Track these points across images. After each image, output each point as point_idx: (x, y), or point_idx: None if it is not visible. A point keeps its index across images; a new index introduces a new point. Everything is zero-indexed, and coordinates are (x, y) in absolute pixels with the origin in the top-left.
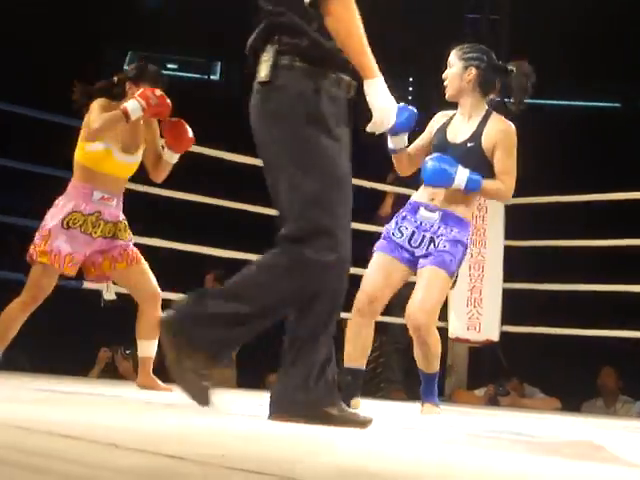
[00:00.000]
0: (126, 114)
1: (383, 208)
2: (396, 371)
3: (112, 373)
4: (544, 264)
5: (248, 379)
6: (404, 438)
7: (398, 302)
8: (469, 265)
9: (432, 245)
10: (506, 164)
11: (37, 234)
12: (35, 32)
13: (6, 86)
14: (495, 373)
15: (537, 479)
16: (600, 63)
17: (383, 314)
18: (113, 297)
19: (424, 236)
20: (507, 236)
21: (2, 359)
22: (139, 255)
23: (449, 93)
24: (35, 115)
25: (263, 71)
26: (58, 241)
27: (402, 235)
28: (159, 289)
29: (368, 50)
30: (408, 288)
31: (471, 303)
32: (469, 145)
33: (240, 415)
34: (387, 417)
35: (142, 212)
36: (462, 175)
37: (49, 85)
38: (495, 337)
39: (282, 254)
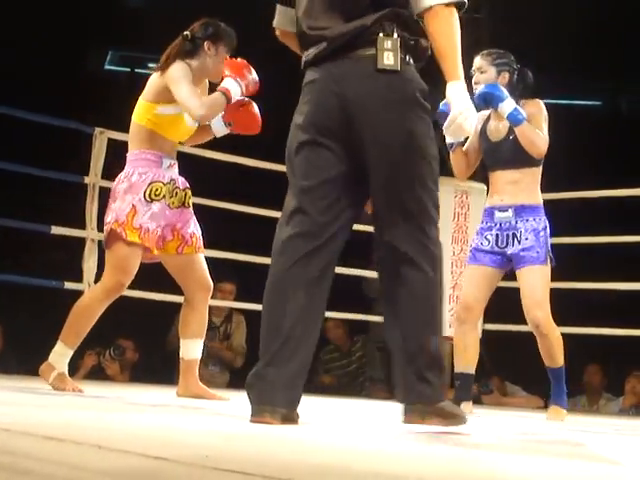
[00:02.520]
0: (229, 97)
1: (369, 206)
2: (379, 370)
3: (98, 375)
4: None
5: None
6: (387, 437)
7: (378, 298)
8: (451, 262)
9: (516, 240)
10: (539, 125)
11: (112, 213)
12: (14, 30)
13: None
14: (478, 371)
15: (519, 478)
16: (581, 61)
17: (365, 312)
18: None
19: (507, 235)
20: None
21: None
22: (201, 242)
23: None
24: (8, 112)
25: (389, 59)
26: (144, 217)
27: (489, 242)
28: (212, 283)
29: (459, 55)
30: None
31: (453, 300)
32: (511, 137)
33: (226, 415)
34: (371, 416)
35: None
36: (509, 103)
37: (26, 83)
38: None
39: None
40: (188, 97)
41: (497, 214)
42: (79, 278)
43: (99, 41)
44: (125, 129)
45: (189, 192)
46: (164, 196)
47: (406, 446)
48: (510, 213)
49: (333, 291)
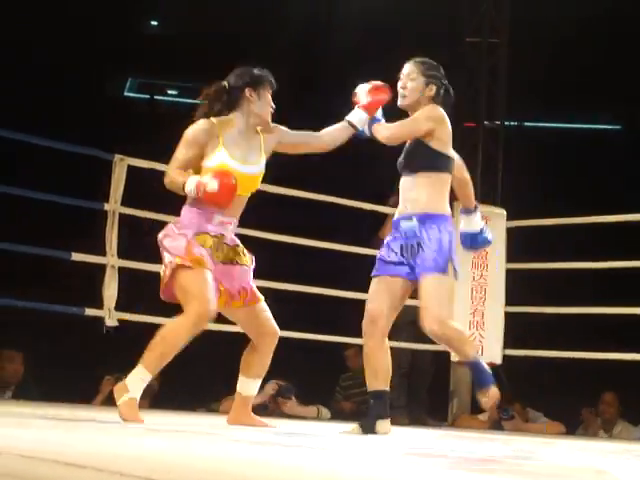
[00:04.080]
0: (188, 189)
1: (383, 230)
2: (400, 396)
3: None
4: (546, 287)
5: None
6: (407, 463)
7: (403, 326)
8: (471, 288)
9: (421, 249)
10: (407, 120)
11: (168, 254)
12: (34, 58)
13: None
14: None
15: None
16: (600, 86)
17: (387, 338)
18: (115, 323)
19: (412, 245)
20: (509, 259)
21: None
22: (257, 294)
23: (405, 102)
24: (28, 140)
25: None
26: (199, 249)
27: (395, 253)
28: (278, 328)
29: None
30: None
31: (473, 326)
32: (408, 142)
33: (247, 442)
34: (392, 441)
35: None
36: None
37: (47, 111)
38: (497, 360)
39: None
40: (171, 161)
41: (402, 223)
42: (99, 305)
43: (118, 68)
44: (145, 156)
45: (239, 249)
46: (210, 246)
47: (423, 473)
48: (414, 222)
49: (353, 318)
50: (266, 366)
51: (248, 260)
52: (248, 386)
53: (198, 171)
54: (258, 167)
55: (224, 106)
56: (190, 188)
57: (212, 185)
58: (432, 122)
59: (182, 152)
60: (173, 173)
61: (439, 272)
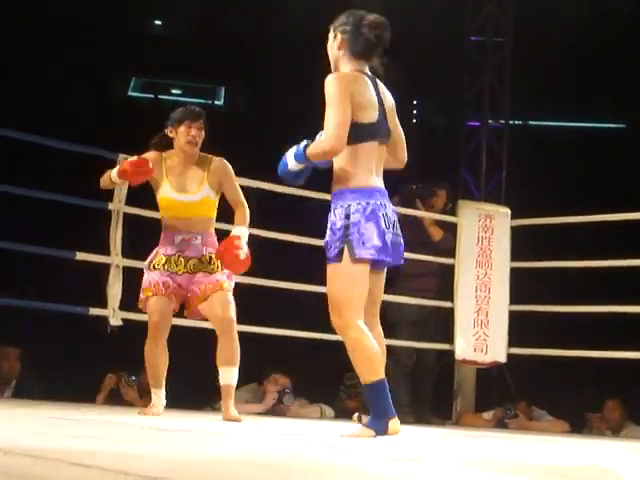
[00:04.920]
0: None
1: None
2: (403, 394)
3: (117, 399)
4: (551, 285)
5: None
6: (415, 463)
7: (404, 325)
8: (475, 286)
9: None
10: (326, 115)
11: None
12: (38, 58)
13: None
14: (503, 396)
15: None
16: (605, 84)
17: (388, 337)
18: (119, 323)
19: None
20: (513, 258)
21: None
22: (221, 284)
23: (332, 68)
24: (32, 140)
25: None
26: (148, 275)
27: None
28: (230, 315)
29: None
30: (412, 310)
31: (478, 325)
32: None
33: (259, 444)
34: (398, 441)
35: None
36: (290, 157)
37: (50, 110)
38: (502, 359)
39: None
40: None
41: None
42: (103, 304)
43: (122, 68)
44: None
45: (204, 259)
46: (163, 264)
47: (427, 472)
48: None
49: None
50: (232, 352)
51: (215, 267)
52: (222, 375)
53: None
54: (195, 196)
55: (169, 145)
56: (113, 173)
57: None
58: (343, 99)
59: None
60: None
61: (332, 261)
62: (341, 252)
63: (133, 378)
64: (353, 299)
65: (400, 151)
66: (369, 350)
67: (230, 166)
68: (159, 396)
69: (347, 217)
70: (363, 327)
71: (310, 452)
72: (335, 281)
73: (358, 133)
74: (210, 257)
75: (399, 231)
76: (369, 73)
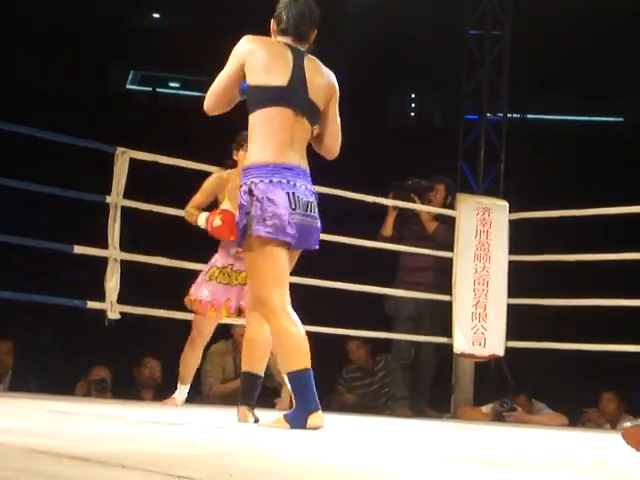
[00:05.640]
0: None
1: (385, 228)
2: (401, 387)
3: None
4: (549, 279)
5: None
6: (409, 455)
7: (402, 319)
8: (473, 280)
9: None
10: None
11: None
12: (37, 51)
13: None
14: (501, 389)
15: None
16: (603, 78)
17: (387, 330)
18: (117, 316)
19: None
20: (511, 251)
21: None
22: None
23: None
24: (31, 133)
25: None
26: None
27: None
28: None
29: None
30: (410, 304)
31: (476, 318)
32: None
33: (250, 434)
34: (399, 435)
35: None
36: None
37: (48, 103)
38: (500, 352)
39: None
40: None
41: None
42: (101, 297)
43: (121, 61)
44: (147, 148)
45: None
46: (216, 277)
47: (423, 465)
48: None
49: (355, 310)
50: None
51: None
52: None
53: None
54: None
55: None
56: (201, 222)
57: (217, 221)
58: (233, 59)
59: (197, 196)
60: (187, 210)
61: (242, 244)
62: (245, 232)
63: (103, 383)
64: (267, 280)
65: (330, 140)
66: (293, 337)
67: None
68: (182, 391)
69: (251, 194)
70: (288, 312)
71: (309, 451)
72: (248, 265)
73: (260, 97)
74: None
75: (315, 214)
76: (299, 48)
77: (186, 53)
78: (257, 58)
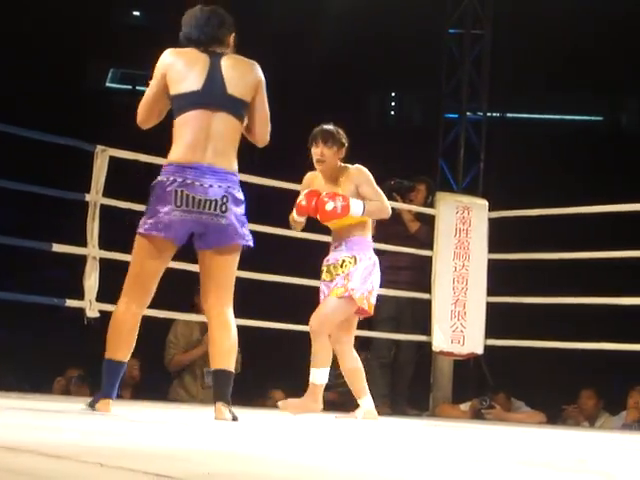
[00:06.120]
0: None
1: None
2: (381, 386)
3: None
4: (528, 277)
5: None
6: (388, 454)
7: (382, 319)
8: (453, 278)
9: None
10: None
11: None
12: (16, 48)
13: None
14: (481, 387)
15: None
16: (582, 77)
17: (368, 329)
18: (96, 315)
19: None
20: (491, 249)
21: None
22: (333, 290)
23: None
24: (9, 130)
25: None
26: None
27: None
28: (314, 323)
29: None
30: (389, 303)
31: (455, 316)
32: None
33: (227, 433)
34: (377, 432)
35: None
36: None
37: (28, 101)
38: (479, 350)
39: None
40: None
41: None
42: (80, 296)
43: (100, 59)
44: (126, 146)
45: (337, 264)
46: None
47: (404, 463)
48: None
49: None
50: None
51: (342, 269)
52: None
53: None
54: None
55: None
56: (292, 215)
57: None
58: (156, 72)
59: None
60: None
61: None
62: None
63: (82, 377)
64: (132, 274)
65: (258, 128)
66: (119, 328)
67: (365, 171)
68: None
69: (149, 194)
70: (131, 306)
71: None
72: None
73: (179, 104)
74: (343, 261)
75: (218, 211)
76: (216, 51)
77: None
78: (175, 70)
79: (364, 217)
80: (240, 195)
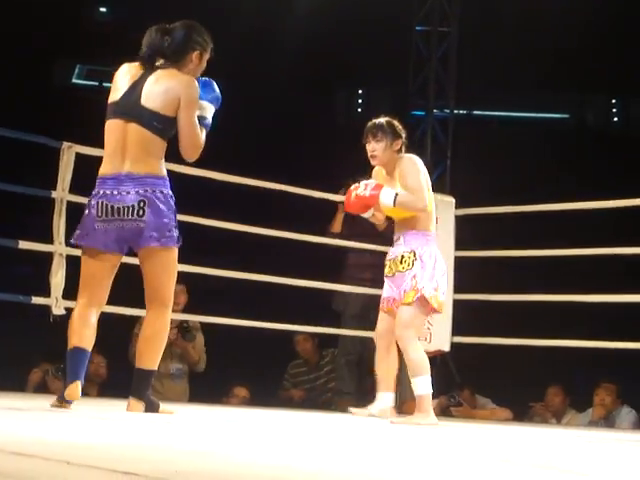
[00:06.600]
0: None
1: (334, 225)
2: (347, 382)
3: (43, 390)
4: (494, 274)
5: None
6: (355, 452)
7: (349, 316)
8: None
9: None
10: None
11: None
12: None
13: None
14: (447, 384)
15: None
16: (549, 74)
17: (335, 326)
18: (62, 312)
19: None
20: (457, 247)
21: None
22: (405, 297)
23: None
24: None
25: None
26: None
27: None
28: (398, 335)
29: None
30: (359, 298)
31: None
32: None
33: (195, 431)
34: (344, 429)
35: None
36: None
37: None
38: (446, 348)
39: None
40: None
41: None
42: (46, 293)
43: (66, 55)
44: (93, 143)
45: (397, 259)
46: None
47: (368, 461)
48: None
49: (302, 305)
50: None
51: (404, 266)
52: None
53: None
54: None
55: None
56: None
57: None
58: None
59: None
60: None
61: None
62: None
63: (60, 368)
64: (80, 282)
65: (182, 143)
66: (71, 322)
67: (408, 161)
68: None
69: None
70: (81, 306)
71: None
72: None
73: (106, 113)
74: (402, 256)
75: (135, 216)
76: (157, 65)
77: (133, 47)
78: (115, 81)
79: (400, 209)
80: (163, 195)
